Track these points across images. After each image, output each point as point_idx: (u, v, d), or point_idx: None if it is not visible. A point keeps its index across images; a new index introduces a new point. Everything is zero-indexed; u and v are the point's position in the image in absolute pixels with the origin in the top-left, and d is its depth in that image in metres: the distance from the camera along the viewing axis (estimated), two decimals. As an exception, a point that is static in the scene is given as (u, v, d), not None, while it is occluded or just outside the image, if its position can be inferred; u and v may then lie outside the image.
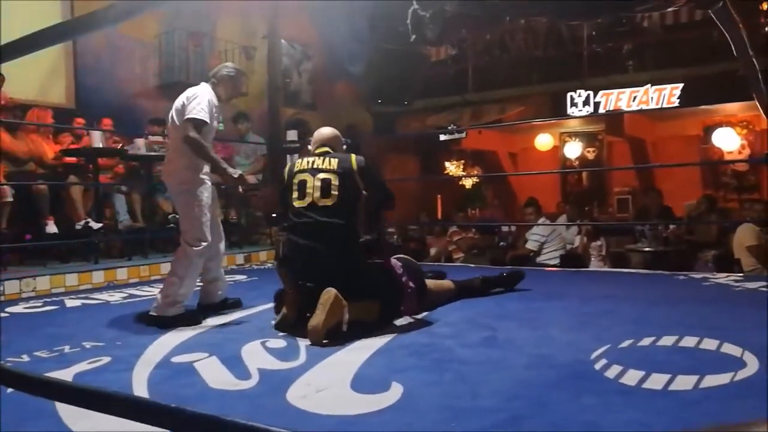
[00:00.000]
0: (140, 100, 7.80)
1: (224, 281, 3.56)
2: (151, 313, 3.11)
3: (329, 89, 10.78)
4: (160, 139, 5.77)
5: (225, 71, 3.35)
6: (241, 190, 3.02)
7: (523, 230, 7.27)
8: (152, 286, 4.27)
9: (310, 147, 3.14)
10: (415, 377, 2.14)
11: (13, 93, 5.75)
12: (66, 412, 1.80)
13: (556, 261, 6.46)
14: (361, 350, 2.49)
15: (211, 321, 3.17)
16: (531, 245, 6.63)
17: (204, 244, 3.16)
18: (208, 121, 3.13)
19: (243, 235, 6.55)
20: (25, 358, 2.51)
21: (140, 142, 5.71)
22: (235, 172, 3.16)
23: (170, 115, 3.26)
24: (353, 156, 3.01)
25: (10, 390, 1.87)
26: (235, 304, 3.53)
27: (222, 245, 3.51)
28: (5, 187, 4.59)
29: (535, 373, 2.18)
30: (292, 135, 6.16)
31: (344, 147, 3.28)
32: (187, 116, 3.10)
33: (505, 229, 8.84)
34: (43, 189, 4.92)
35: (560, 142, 11.77)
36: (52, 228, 4.91)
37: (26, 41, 1.18)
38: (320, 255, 2.84)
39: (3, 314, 3.47)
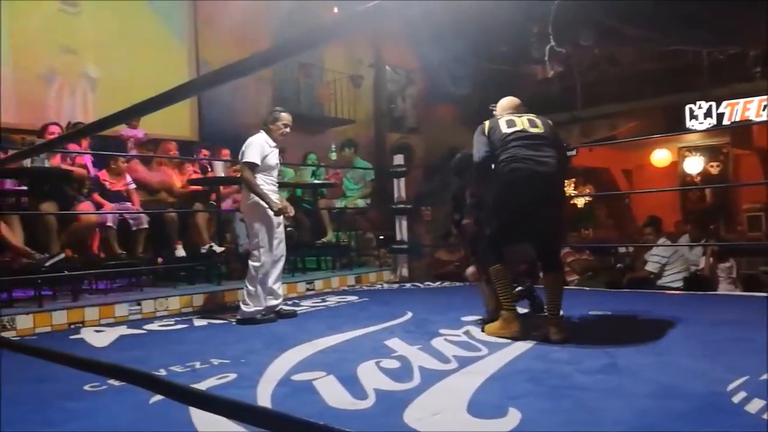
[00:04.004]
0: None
1: (276, 292, 4.09)
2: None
3: (433, 112, 10.88)
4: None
5: (271, 115, 4.06)
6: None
7: (641, 251, 6.89)
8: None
9: None
10: (532, 403, 2.09)
11: (146, 128, 6.34)
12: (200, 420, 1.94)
13: (680, 284, 6.06)
14: (475, 374, 2.47)
15: (325, 340, 3.28)
16: (651, 267, 6.26)
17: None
18: (258, 162, 3.86)
19: (353, 257, 6.71)
20: (162, 372, 2.72)
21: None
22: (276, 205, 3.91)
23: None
24: None
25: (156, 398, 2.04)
26: (290, 314, 4.12)
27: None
28: (143, 214, 5.04)
29: (661, 403, 2.06)
30: (398, 159, 6.27)
31: None
32: (242, 160, 3.90)
33: (622, 250, 8.41)
34: (173, 216, 5.34)
35: (679, 157, 11.10)
36: (180, 252, 5.30)
37: (168, 95, 1.28)
38: None
39: (141, 331, 3.80)
